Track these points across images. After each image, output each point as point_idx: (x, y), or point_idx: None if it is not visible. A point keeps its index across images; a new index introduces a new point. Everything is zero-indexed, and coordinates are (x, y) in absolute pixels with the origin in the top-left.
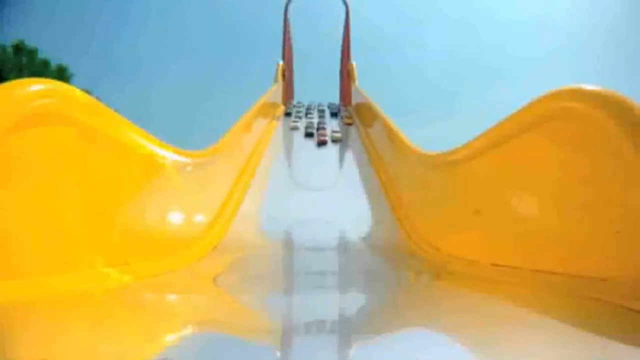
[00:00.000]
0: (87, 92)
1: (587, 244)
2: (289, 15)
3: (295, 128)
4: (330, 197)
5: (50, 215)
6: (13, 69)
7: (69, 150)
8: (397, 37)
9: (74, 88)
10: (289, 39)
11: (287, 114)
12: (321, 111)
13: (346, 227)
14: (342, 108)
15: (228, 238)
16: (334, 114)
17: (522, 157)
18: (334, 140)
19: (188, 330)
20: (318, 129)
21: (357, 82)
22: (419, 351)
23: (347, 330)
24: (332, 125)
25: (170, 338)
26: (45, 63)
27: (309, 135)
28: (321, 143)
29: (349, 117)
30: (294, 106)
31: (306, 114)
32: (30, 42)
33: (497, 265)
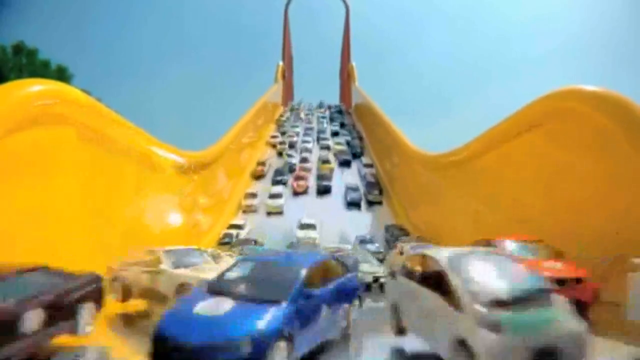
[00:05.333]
0: (87, 92)
1: (587, 243)
2: (288, 16)
3: None
4: None
5: (50, 215)
6: (13, 69)
7: (69, 151)
8: (397, 38)
9: (74, 89)
10: (289, 39)
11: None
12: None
13: None
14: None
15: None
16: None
17: (522, 157)
18: None
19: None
20: None
21: (357, 83)
22: None
23: None
24: None
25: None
26: (46, 64)
27: None
28: None
29: None
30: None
31: None
32: (31, 43)
33: None
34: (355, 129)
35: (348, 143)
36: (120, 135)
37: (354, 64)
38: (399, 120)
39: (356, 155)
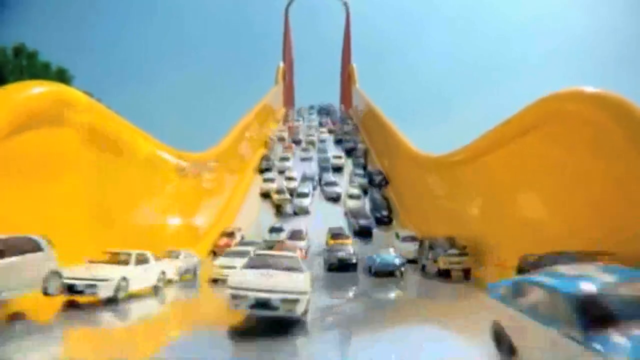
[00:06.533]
0: (88, 94)
1: (587, 243)
2: (289, 17)
3: None
4: None
5: (52, 215)
6: (13, 71)
7: (71, 152)
8: (397, 38)
9: (75, 90)
10: (290, 40)
11: None
12: None
13: None
14: None
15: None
16: None
17: (522, 159)
18: None
19: (188, 328)
20: None
21: (357, 84)
22: None
23: None
24: None
25: (171, 335)
26: (46, 65)
27: None
28: None
29: None
30: None
31: None
32: (32, 45)
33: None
34: (369, 157)
35: (365, 191)
36: (121, 136)
37: (354, 65)
38: (399, 121)
39: (381, 221)
